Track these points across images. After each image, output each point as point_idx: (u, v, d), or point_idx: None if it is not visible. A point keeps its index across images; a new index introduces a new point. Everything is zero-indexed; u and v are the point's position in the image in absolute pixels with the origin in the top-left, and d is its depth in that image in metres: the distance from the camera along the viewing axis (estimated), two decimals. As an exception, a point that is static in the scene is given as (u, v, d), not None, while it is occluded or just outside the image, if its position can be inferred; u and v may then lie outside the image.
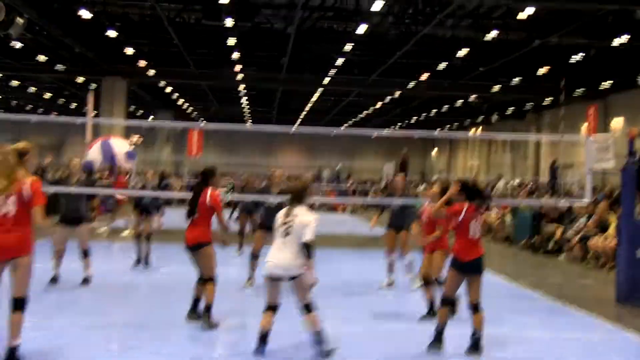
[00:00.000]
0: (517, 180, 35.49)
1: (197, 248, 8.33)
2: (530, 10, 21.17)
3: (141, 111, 52.29)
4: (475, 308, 7.47)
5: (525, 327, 9.29)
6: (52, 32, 26.17)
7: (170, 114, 51.11)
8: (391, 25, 25.10)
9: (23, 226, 6.36)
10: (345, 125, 55.08)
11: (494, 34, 24.06)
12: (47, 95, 46.26)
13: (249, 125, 53.73)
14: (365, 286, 11.99)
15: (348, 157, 55.36)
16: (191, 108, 52.37)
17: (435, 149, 63.32)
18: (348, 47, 26.69)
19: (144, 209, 13.57)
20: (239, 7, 22.23)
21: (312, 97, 42.44)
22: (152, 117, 52.37)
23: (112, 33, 25.60)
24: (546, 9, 21.62)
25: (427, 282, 9.27)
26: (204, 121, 56.68)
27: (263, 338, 7.06)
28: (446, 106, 44.87)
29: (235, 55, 29.09)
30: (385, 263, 11.99)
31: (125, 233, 18.85)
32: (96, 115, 33.60)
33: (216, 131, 50.78)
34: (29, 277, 6.43)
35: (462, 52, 26.87)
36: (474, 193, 7.52)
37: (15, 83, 40.64)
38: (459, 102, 42.56)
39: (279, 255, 6.94)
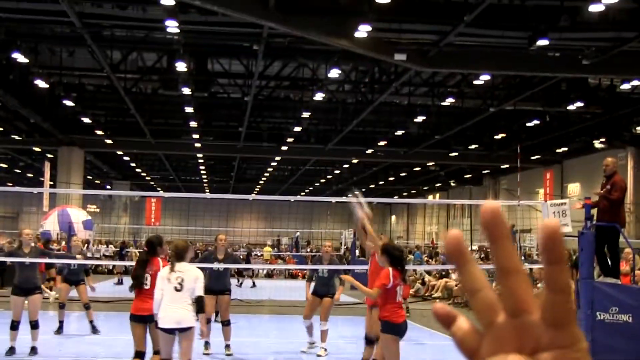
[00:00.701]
0: (476, 245, 35.63)
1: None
2: (485, 78, 21.67)
3: (98, 181, 51.80)
4: None
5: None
6: (8, 103, 25.94)
7: (128, 183, 50.75)
8: (347, 93, 25.43)
9: None
10: (304, 192, 55.24)
11: (449, 101, 24.51)
12: (3, 165, 45.61)
13: (207, 193, 53.64)
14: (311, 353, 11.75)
15: (307, 224, 55.28)
16: (149, 177, 52.05)
17: (393, 216, 63.62)
18: (305, 115, 26.91)
19: (72, 278, 13.44)
20: (195, 77, 22.33)
21: (270, 165, 42.53)
22: (109, 186, 51.91)
23: (68, 103, 25.46)
24: (501, 77, 22.16)
25: (369, 340, 8.96)
26: (162, 190, 56.42)
27: None
28: (404, 173, 45.27)
29: (193, 124, 29.10)
30: (304, 327, 11.88)
31: (51, 299, 18.08)
32: (53, 185, 33.18)
33: (174, 199, 50.60)
34: None
35: (419, 120, 27.24)
36: (396, 259, 7.54)
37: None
38: (417, 169, 43.00)
39: (174, 309, 7.13)
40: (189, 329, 7.18)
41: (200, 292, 7.26)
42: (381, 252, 7.67)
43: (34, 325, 10.89)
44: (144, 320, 8.08)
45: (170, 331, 7.17)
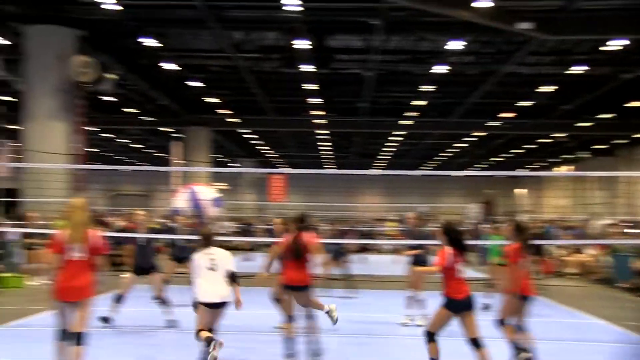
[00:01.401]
0: (611, 220, 34.18)
1: (306, 288, 8.72)
2: (617, 43, 20.46)
3: (224, 159, 53.19)
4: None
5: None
6: (139, 86, 26.96)
7: (253, 160, 51.90)
8: (470, 65, 24.76)
9: (90, 271, 7.08)
10: (427, 167, 54.72)
11: (579, 69, 23.39)
12: (137, 145, 47.58)
13: (329, 169, 54.14)
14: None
15: (431, 199, 54.72)
16: (273, 154, 52.96)
17: (521, 190, 61.95)
18: (427, 88, 26.45)
19: (178, 254, 13.55)
20: (315, 54, 22.36)
21: (391, 140, 42.30)
22: (235, 164, 53.24)
23: (194, 84, 26.16)
24: (635, 41, 20.79)
25: (500, 322, 8.70)
26: (286, 166, 57.36)
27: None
28: (532, 146, 43.95)
29: (314, 101, 29.25)
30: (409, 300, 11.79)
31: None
32: (181, 164, 34.28)
33: (297, 175, 51.46)
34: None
35: (545, 90, 26.25)
36: (455, 241, 7.76)
37: (105, 135, 41.95)
38: (544, 140, 41.60)
39: (213, 286, 7.89)
40: (226, 304, 7.96)
41: (232, 267, 7.99)
42: (442, 231, 7.86)
43: (163, 302, 11.28)
44: (298, 289, 8.71)
45: (213, 305, 7.86)
